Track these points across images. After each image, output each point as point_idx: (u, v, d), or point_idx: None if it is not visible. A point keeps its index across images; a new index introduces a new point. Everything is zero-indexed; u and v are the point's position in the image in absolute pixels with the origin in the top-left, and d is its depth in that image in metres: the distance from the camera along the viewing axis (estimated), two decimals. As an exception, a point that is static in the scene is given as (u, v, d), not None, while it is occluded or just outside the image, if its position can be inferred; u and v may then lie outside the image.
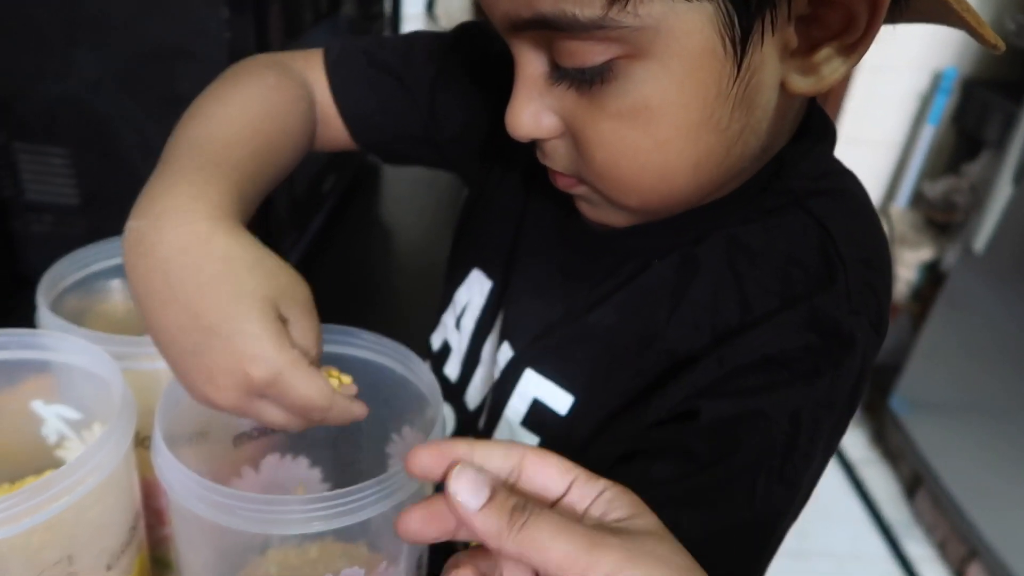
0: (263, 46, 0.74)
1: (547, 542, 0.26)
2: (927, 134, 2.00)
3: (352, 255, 0.99)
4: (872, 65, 1.87)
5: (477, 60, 0.52)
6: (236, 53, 0.72)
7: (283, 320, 0.36)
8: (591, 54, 0.34)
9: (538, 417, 0.46)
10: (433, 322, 0.57)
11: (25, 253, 0.82)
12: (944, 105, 1.96)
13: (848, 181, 0.44)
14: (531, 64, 0.37)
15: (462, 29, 0.54)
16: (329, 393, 0.36)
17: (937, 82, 1.95)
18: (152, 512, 0.46)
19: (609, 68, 0.34)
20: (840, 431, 0.41)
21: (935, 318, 1.84)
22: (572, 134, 0.38)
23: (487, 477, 0.28)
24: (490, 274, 0.52)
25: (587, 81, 0.35)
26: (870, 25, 0.33)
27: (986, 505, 1.67)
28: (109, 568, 0.39)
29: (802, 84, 0.36)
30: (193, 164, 0.40)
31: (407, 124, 0.54)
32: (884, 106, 2.01)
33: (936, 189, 2.00)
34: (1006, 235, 1.63)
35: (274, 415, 0.37)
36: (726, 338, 0.40)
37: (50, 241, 0.81)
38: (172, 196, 0.37)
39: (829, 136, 0.44)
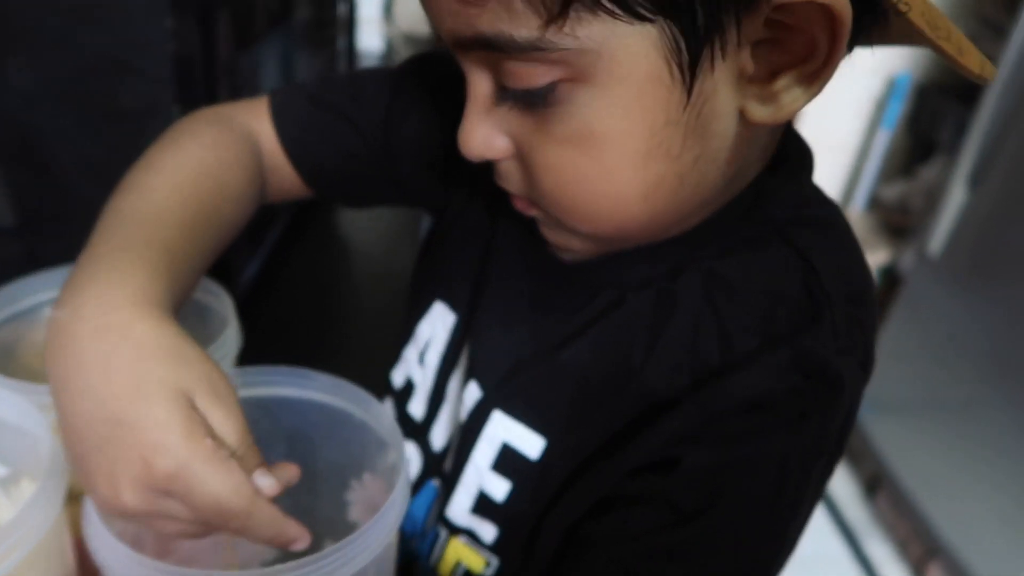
0: (210, 57, 0.70)
1: None
2: (882, 138, 2.03)
3: (310, 273, 0.96)
4: (829, 70, 1.89)
5: (431, 87, 0.50)
6: (181, 65, 0.68)
7: (200, 413, 0.33)
8: (534, 76, 0.32)
9: (508, 462, 0.44)
10: (393, 356, 0.54)
11: (-44, 276, 0.78)
12: (899, 110, 1.99)
13: (830, 210, 0.42)
14: (479, 84, 0.36)
15: (412, 60, 0.52)
16: (248, 494, 0.32)
17: (891, 87, 1.98)
18: (89, 573, 0.42)
19: (553, 91, 0.33)
20: (828, 474, 0.39)
21: (893, 320, 1.86)
22: (521, 157, 0.37)
23: None
24: (453, 306, 0.50)
25: (533, 103, 0.34)
26: (831, 54, 0.31)
27: (944, 504, 1.69)
28: (40, 643, 0.36)
29: (761, 113, 0.34)
30: (120, 245, 0.37)
31: (362, 165, 0.52)
32: (840, 111, 2.03)
33: (892, 192, 2.03)
34: (961, 238, 1.65)
35: (182, 516, 0.32)
36: (707, 380, 0.38)
37: (-17, 264, 0.77)
38: (95, 284, 0.35)
39: (807, 163, 0.42)
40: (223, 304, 0.48)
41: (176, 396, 0.32)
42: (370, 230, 1.11)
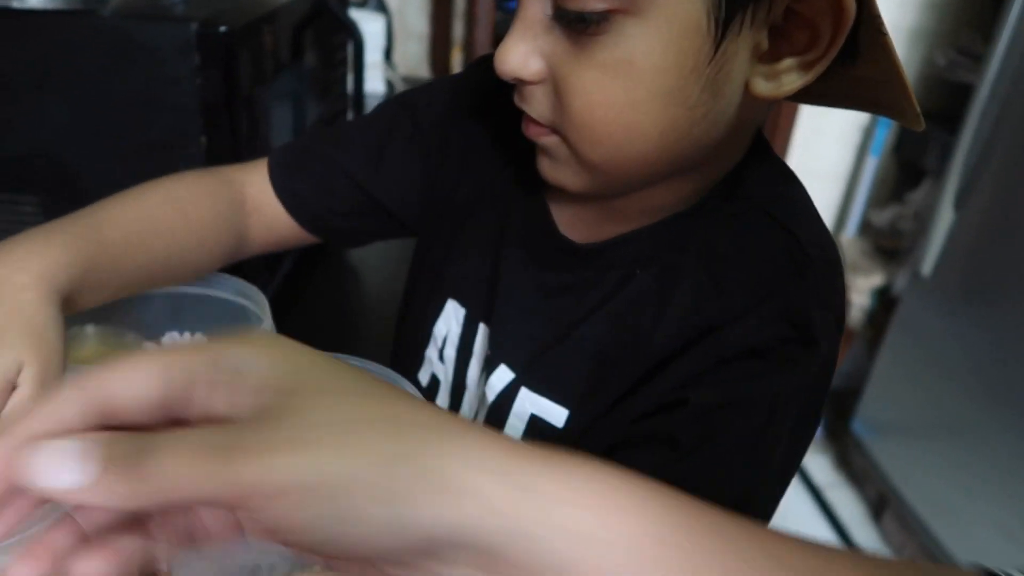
0: (233, 93, 0.76)
1: (173, 477, 0.21)
2: (871, 165, 2.09)
3: (322, 297, 1.00)
4: (815, 101, 1.96)
5: (425, 123, 0.57)
6: (207, 100, 0.74)
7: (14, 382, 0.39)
8: (595, 0, 0.37)
9: (537, 432, 0.48)
10: (414, 358, 0.58)
11: (-7, 304, 0.82)
12: (885, 137, 2.05)
13: (797, 187, 0.48)
14: (534, 6, 0.40)
15: (394, 101, 0.59)
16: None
17: (876, 115, 2.04)
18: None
19: (606, 18, 0.37)
20: (814, 413, 0.44)
21: (889, 341, 1.89)
22: (555, 81, 0.41)
23: (82, 442, 0.21)
24: (463, 302, 0.54)
25: (580, 29, 0.38)
26: (831, 45, 0.37)
27: (950, 522, 1.70)
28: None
29: (764, 87, 0.39)
30: (60, 228, 0.46)
31: (355, 204, 0.59)
32: (829, 139, 2.10)
33: (883, 217, 2.08)
34: (950, 258, 1.70)
35: None
36: (709, 333, 0.43)
37: (19, 291, 0.81)
38: (20, 245, 0.43)
39: (770, 153, 0.48)
40: (260, 305, 0.53)
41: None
42: (377, 259, 1.16)
